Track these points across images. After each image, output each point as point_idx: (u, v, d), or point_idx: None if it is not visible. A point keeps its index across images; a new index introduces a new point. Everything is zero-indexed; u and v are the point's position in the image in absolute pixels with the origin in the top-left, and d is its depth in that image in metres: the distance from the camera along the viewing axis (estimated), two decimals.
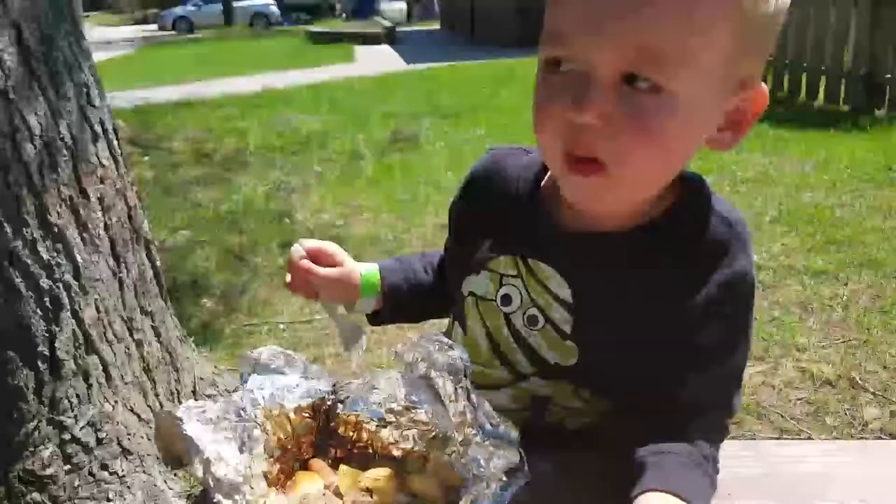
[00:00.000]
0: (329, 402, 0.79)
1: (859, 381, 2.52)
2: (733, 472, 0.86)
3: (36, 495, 1.84)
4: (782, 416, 2.38)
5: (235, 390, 0.75)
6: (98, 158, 2.03)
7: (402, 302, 1.09)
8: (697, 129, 0.77)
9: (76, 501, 1.88)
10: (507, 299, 0.93)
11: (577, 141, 0.74)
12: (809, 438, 2.25)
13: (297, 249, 1.00)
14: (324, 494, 0.74)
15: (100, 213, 2.00)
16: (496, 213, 0.96)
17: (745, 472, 0.87)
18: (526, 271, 0.91)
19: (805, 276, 3.34)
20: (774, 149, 5.52)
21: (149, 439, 2.04)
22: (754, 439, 2.27)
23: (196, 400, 1.96)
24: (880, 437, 2.24)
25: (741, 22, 0.71)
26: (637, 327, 0.85)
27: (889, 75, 6.30)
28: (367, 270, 1.06)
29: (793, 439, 2.26)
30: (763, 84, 0.79)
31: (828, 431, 2.30)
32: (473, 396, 0.69)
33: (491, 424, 0.68)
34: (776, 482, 0.86)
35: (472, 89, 9.86)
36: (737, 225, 0.86)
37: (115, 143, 2.13)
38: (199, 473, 0.63)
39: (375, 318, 1.11)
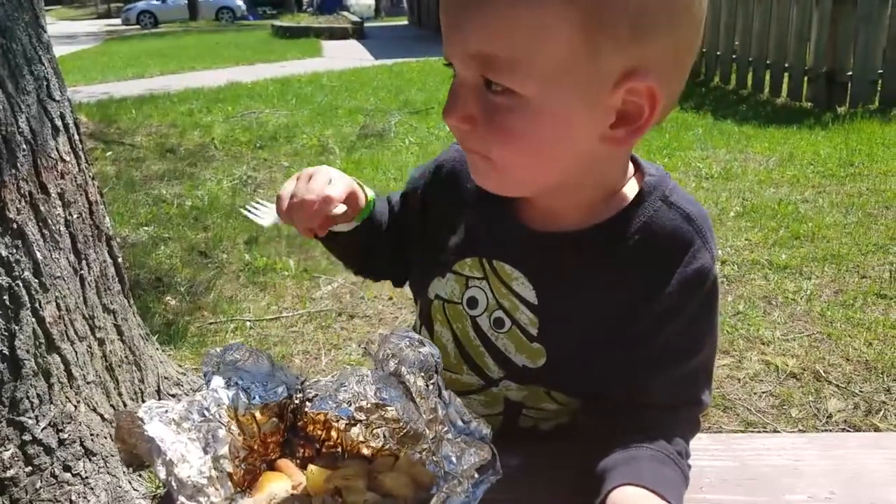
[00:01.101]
0: (297, 401, 0.78)
1: (823, 374, 2.56)
2: (704, 466, 0.86)
3: None
4: (748, 409, 2.40)
5: (199, 389, 0.73)
6: (58, 153, 1.97)
7: (365, 238, 1.00)
8: (566, 128, 0.74)
9: None
10: (472, 302, 0.92)
11: (459, 138, 0.80)
12: (776, 431, 2.29)
13: (334, 202, 0.84)
14: (291, 495, 0.72)
15: (60, 209, 1.95)
16: (461, 209, 0.95)
17: (716, 465, 0.88)
18: (491, 272, 0.90)
19: (769, 270, 3.39)
20: (738, 145, 5.59)
21: (112, 440, 2.00)
22: (721, 432, 2.30)
23: (160, 399, 1.92)
24: (845, 430, 2.28)
25: (585, 14, 0.67)
26: (601, 326, 0.85)
27: (850, 73, 6.41)
28: (370, 196, 0.98)
29: (761, 433, 2.29)
30: (654, 84, 0.72)
31: (793, 424, 2.33)
32: (445, 393, 0.68)
33: (463, 421, 0.67)
34: (746, 475, 0.86)
35: (441, 84, 9.83)
36: (697, 219, 0.85)
37: (77, 137, 2.08)
38: (162, 475, 0.61)
39: (326, 238, 0.97)
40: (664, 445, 0.80)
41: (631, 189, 0.85)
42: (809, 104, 6.73)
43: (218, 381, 0.72)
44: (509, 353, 0.91)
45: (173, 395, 2.33)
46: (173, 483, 0.61)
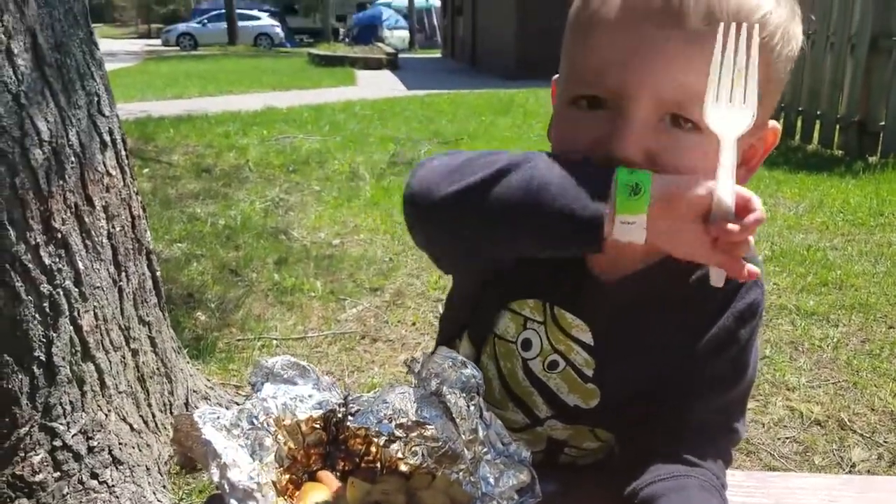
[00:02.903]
0: (339, 414, 0.80)
1: (847, 423, 2.53)
2: (738, 503, 0.87)
3: (24, 501, 1.82)
4: (771, 454, 2.39)
5: (248, 398, 0.76)
6: (105, 167, 2.04)
7: None
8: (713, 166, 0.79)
9: None
10: (527, 344, 0.92)
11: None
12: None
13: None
14: None
15: (104, 221, 2.01)
16: None
17: (750, 502, 0.88)
18: (551, 319, 0.91)
19: (796, 315, 3.37)
20: (768, 190, 5.58)
21: (139, 450, 2.03)
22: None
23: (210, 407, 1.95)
24: None
25: (766, 67, 0.75)
26: (658, 362, 0.88)
27: (883, 123, 6.39)
28: None
29: (797, 472, 2.26)
30: (775, 123, 0.82)
31: (816, 471, 2.31)
32: (486, 414, 0.70)
33: (502, 443, 0.69)
34: None
35: (472, 117, 9.94)
36: (750, 258, 0.88)
37: (123, 152, 2.14)
38: (216, 478, 0.64)
39: None
40: (709, 476, 0.82)
41: None
42: (840, 152, 6.71)
43: (268, 391, 0.75)
44: (561, 394, 0.92)
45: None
46: (226, 486, 0.64)
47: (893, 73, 6.29)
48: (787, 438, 2.48)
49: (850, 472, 2.30)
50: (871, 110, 6.44)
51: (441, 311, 1.18)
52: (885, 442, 2.43)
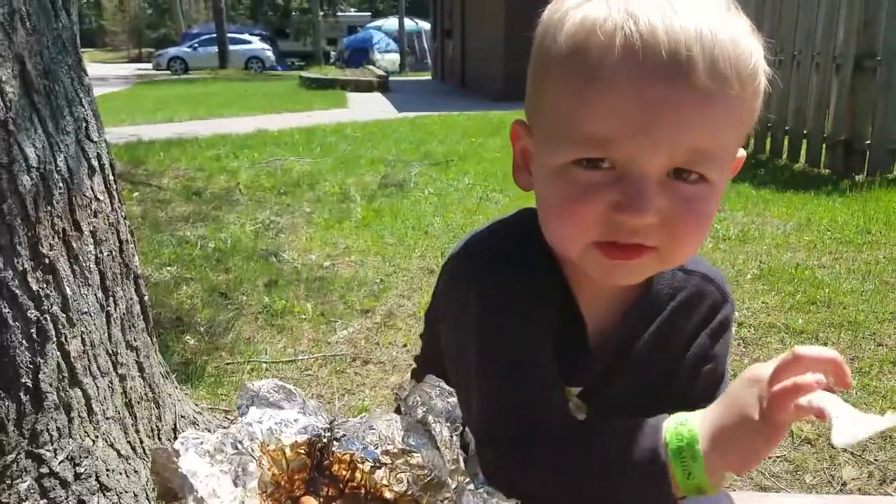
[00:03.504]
0: (325, 439, 0.80)
1: None
2: None
3: None
4: (762, 473, 2.38)
5: (233, 422, 0.76)
6: (93, 192, 2.04)
7: None
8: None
9: None
10: None
11: (625, 234, 0.76)
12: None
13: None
14: None
15: (91, 247, 2.01)
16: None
17: None
18: None
19: (785, 334, 3.38)
20: (756, 209, 5.62)
21: (127, 476, 2.01)
22: None
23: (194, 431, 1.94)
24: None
25: (753, 113, 0.80)
26: (644, 391, 0.93)
27: (868, 141, 6.46)
28: None
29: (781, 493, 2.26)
30: (742, 150, 0.85)
31: (807, 490, 2.31)
32: (469, 445, 0.70)
33: (486, 474, 0.69)
34: None
35: (461, 138, 9.99)
36: (715, 278, 0.97)
37: (111, 177, 2.15)
38: None
39: None
40: None
41: None
42: (827, 171, 6.77)
43: (253, 415, 0.75)
44: None
45: None
46: None
47: (878, 92, 6.38)
48: (778, 458, 2.48)
49: (841, 490, 2.30)
50: (856, 129, 6.51)
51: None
52: (876, 460, 2.43)
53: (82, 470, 1.93)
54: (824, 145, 6.84)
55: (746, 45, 0.75)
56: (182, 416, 2.36)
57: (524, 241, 0.89)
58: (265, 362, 3.21)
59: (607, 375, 0.95)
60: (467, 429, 0.73)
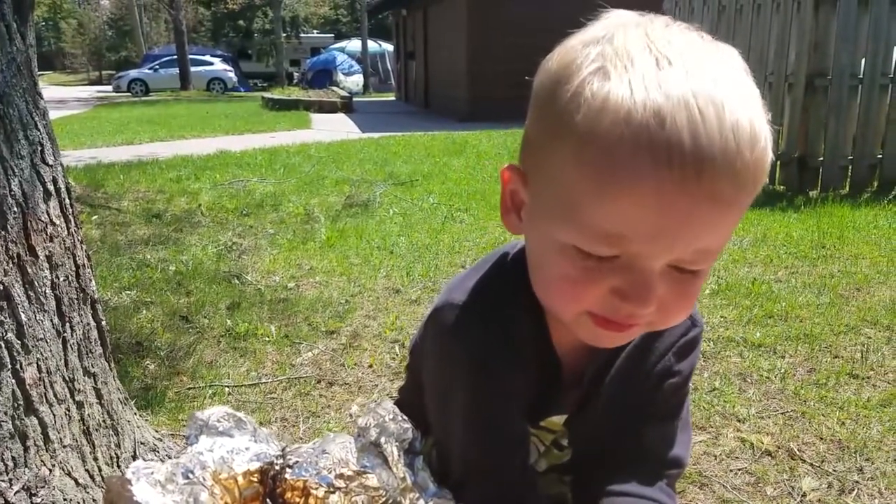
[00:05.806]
0: (277, 467, 0.80)
1: (797, 452, 2.58)
2: None
3: None
4: (724, 486, 2.41)
5: (183, 451, 0.76)
6: (49, 216, 2.01)
7: None
8: None
9: None
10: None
11: (622, 316, 0.79)
12: None
13: None
14: None
15: (47, 272, 1.97)
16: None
17: None
18: (537, 429, 1.02)
19: (744, 347, 3.44)
20: None
21: None
22: None
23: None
24: None
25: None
26: (618, 410, 0.98)
27: (821, 159, 6.64)
28: None
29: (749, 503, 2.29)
30: None
31: (768, 502, 2.34)
32: (416, 461, 0.71)
33: (434, 484, 0.70)
34: None
35: (426, 158, 10.03)
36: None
37: (68, 201, 2.12)
38: None
39: None
40: (665, 498, 0.89)
41: None
42: (782, 187, 6.93)
43: (203, 444, 0.74)
44: (534, 461, 1.01)
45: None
46: None
47: (829, 110, 6.56)
48: (739, 470, 2.51)
49: (801, 501, 2.34)
50: (809, 147, 6.69)
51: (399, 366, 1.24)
52: (835, 470, 2.48)
53: (39, 500, 1.88)
54: (779, 162, 7.01)
55: (766, 143, 0.76)
56: (142, 443, 2.31)
57: (503, 296, 0.90)
58: (227, 386, 3.17)
59: (586, 402, 0.99)
60: (415, 448, 0.75)
